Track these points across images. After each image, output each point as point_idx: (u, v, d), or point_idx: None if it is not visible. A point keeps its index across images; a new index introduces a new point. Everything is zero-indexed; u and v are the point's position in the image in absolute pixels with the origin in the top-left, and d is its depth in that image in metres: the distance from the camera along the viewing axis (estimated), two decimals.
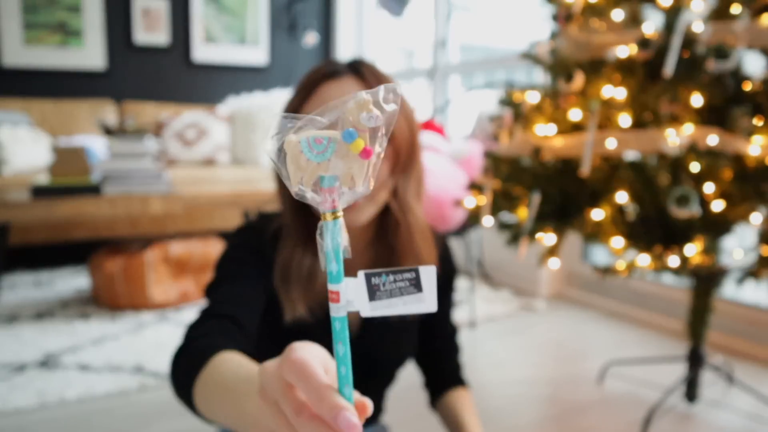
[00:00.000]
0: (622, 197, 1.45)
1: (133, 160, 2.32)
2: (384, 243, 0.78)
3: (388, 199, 0.75)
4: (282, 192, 0.77)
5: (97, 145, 3.14)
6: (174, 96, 4.15)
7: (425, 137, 2.85)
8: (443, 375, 0.92)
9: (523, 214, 1.61)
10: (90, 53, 3.88)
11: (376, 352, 0.82)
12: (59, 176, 2.21)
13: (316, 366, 0.40)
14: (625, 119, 1.44)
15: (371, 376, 0.85)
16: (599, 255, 2.80)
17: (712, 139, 1.28)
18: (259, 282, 0.76)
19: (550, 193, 1.56)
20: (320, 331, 0.75)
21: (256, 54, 4.35)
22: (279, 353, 0.43)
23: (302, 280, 0.75)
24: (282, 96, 4.00)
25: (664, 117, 1.43)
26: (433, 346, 0.91)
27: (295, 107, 0.73)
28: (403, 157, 0.73)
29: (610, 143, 1.41)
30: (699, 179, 1.36)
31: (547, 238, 1.60)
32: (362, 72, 0.71)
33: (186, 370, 0.58)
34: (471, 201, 1.81)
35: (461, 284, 2.95)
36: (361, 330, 0.82)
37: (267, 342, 0.77)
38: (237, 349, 0.59)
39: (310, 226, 0.76)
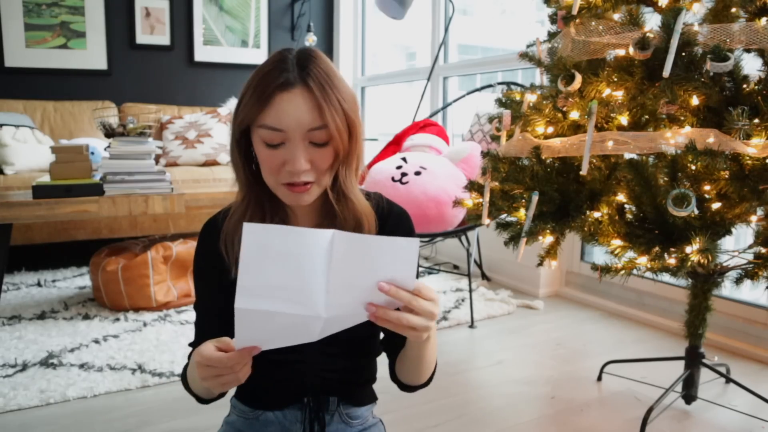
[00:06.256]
0: (620, 197, 1.46)
1: (135, 161, 2.33)
2: (329, 210, 0.91)
3: (331, 182, 0.89)
4: (236, 166, 0.89)
5: (98, 146, 3.15)
6: (175, 97, 4.17)
7: (425, 137, 2.86)
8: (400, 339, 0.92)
9: (522, 214, 1.61)
10: (92, 54, 3.89)
11: None
12: (60, 176, 2.22)
13: (214, 354, 0.71)
14: (623, 120, 1.45)
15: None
16: (598, 255, 2.81)
17: (710, 140, 1.29)
18: (217, 284, 0.93)
19: (548, 193, 1.56)
20: None
21: (256, 55, 4.36)
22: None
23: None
24: None
25: (662, 118, 1.44)
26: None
27: (254, 116, 0.81)
28: (342, 153, 0.85)
29: (609, 144, 1.42)
30: (697, 179, 1.37)
31: (546, 238, 1.61)
32: (310, 86, 0.80)
33: (184, 377, 0.95)
34: (470, 201, 1.82)
35: (461, 284, 2.96)
36: None
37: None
38: None
39: (260, 197, 0.89)
